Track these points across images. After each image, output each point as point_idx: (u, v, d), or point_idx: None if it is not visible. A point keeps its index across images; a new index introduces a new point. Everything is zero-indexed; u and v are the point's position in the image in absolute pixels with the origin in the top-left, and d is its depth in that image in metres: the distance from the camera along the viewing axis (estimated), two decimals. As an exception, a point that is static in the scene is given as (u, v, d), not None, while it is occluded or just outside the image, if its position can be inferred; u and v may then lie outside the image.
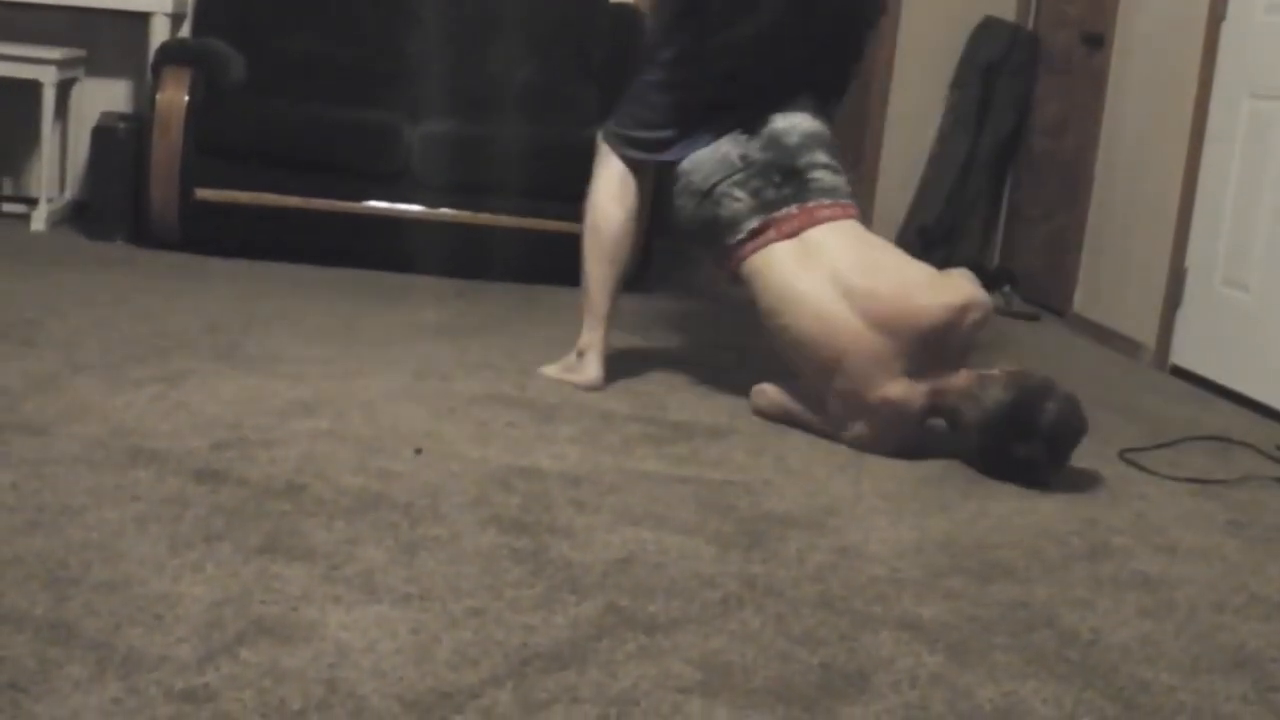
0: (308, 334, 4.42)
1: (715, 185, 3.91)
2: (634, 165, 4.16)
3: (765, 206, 3.88)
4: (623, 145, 4.15)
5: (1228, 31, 5.06)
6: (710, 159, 3.96)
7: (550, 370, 4.22)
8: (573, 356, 4.20)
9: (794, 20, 3.94)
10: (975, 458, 3.64)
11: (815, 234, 3.83)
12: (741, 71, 3.99)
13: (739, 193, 3.90)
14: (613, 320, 4.21)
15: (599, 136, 4.25)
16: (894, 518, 3.20)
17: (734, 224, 3.89)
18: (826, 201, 3.89)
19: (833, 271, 3.75)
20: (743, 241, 3.88)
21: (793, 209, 3.86)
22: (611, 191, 4.17)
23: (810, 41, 4.00)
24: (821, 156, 3.95)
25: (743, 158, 3.92)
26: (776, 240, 3.84)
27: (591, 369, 4.14)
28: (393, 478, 3.12)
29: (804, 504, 3.23)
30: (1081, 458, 3.70)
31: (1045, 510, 3.36)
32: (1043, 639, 2.58)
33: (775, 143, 3.93)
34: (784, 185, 3.89)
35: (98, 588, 2.40)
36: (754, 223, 3.87)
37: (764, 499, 3.24)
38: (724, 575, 2.73)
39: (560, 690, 2.19)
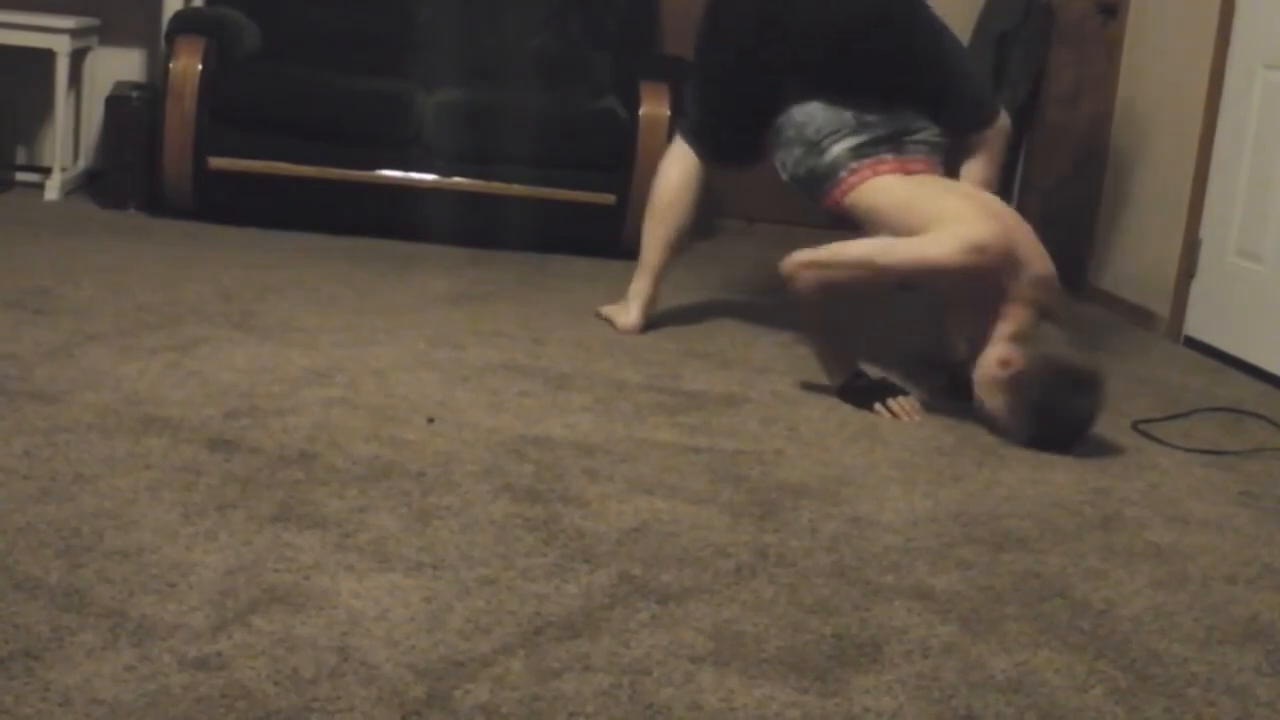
0: (320, 302, 4.42)
1: (825, 138, 4.01)
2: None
3: (860, 157, 3.97)
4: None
5: (1243, 2, 5.03)
6: (824, 115, 4.04)
7: (605, 309, 4.59)
8: (624, 301, 4.54)
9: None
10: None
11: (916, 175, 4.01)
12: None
13: (838, 147, 3.98)
14: (662, 275, 4.52)
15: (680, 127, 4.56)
16: (907, 487, 3.19)
17: (832, 172, 3.98)
18: (920, 156, 4.04)
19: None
20: (841, 180, 3.96)
21: (886, 156, 3.98)
22: (673, 156, 4.52)
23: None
24: (929, 137, 4.09)
25: (859, 119, 4.01)
26: (874, 176, 3.95)
27: (632, 313, 4.48)
28: (405, 446, 3.12)
29: (817, 474, 3.23)
30: (1095, 428, 3.69)
31: (1058, 480, 3.36)
32: (1055, 609, 2.58)
33: (902, 122, 4.06)
34: (882, 145, 4.00)
35: (110, 556, 2.41)
36: (849, 167, 3.96)
37: (777, 469, 3.23)
38: (736, 545, 2.74)
39: (572, 659, 2.19)
